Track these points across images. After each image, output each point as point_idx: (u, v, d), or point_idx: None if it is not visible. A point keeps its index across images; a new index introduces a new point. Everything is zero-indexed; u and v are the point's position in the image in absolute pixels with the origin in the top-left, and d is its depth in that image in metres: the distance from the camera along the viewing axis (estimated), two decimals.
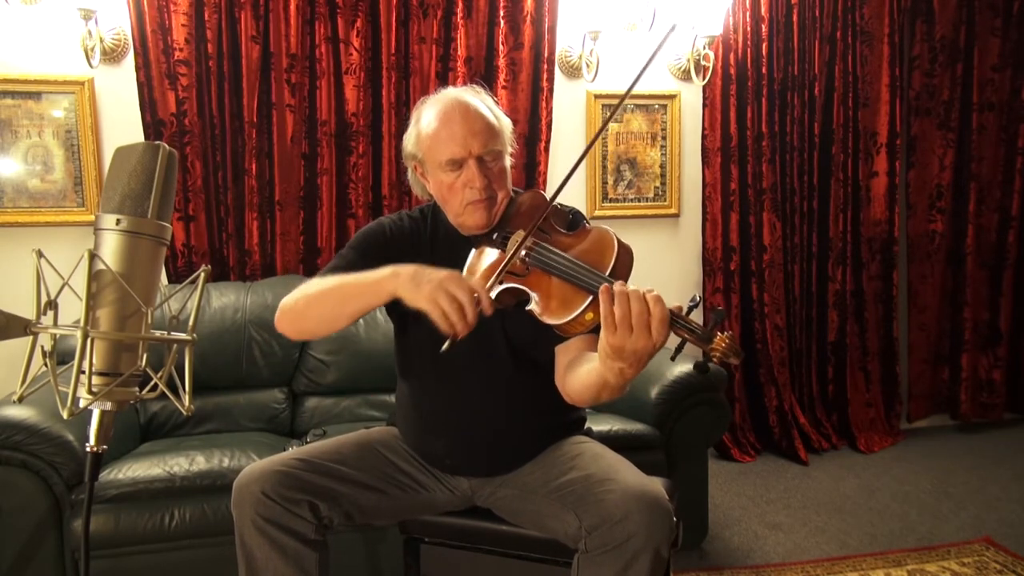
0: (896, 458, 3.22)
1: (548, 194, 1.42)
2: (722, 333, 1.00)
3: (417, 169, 1.44)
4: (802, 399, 3.40)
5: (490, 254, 1.31)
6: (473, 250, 1.34)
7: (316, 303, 1.31)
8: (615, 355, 1.02)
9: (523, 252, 1.20)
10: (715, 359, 1.00)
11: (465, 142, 1.32)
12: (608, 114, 3.14)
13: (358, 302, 1.26)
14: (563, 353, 1.34)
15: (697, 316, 1.05)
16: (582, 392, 1.23)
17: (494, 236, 1.33)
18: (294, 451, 1.42)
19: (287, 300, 1.36)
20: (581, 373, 1.22)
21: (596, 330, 1.07)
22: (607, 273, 1.11)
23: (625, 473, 1.29)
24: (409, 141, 1.43)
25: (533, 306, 1.17)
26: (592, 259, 1.14)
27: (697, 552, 2.34)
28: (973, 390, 3.57)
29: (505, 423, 1.42)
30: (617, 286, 1.02)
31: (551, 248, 1.19)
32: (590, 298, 1.09)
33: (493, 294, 1.20)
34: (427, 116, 1.38)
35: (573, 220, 1.37)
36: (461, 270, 1.31)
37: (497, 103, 1.43)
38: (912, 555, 2.31)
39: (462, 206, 1.36)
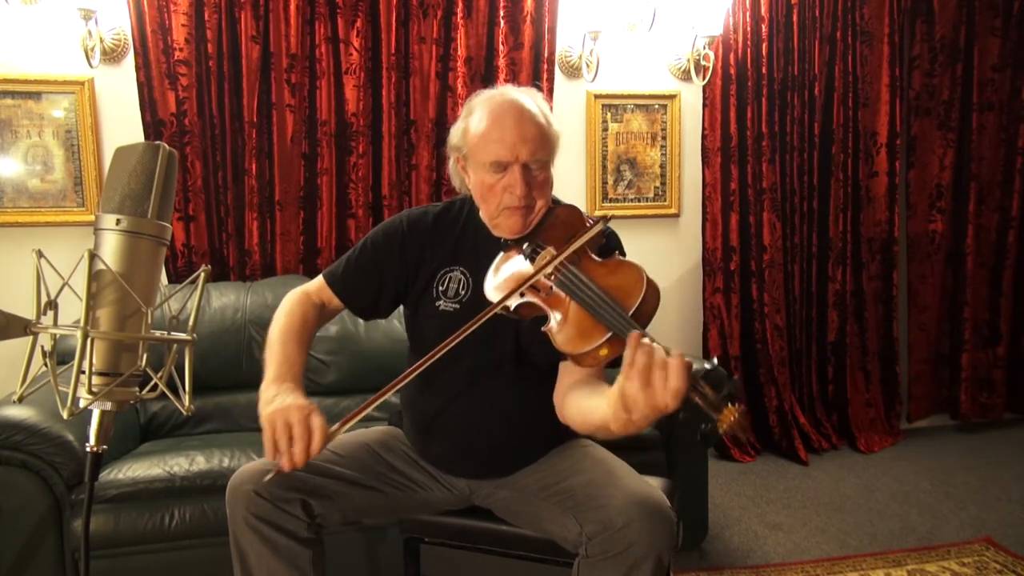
0: (896, 458, 3.22)
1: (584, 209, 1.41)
2: (733, 405, 0.97)
3: (459, 162, 1.42)
4: (802, 399, 3.40)
5: (517, 261, 1.30)
6: (501, 252, 1.33)
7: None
8: (628, 405, 0.98)
9: (550, 270, 1.19)
10: (722, 430, 0.97)
11: (514, 147, 1.30)
12: (608, 114, 3.16)
13: None
14: (567, 372, 1.32)
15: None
16: (579, 424, 1.22)
17: (524, 245, 1.31)
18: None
19: (274, 318, 1.42)
20: (584, 407, 1.19)
21: (608, 365, 1.06)
22: (631, 313, 1.08)
23: (626, 479, 1.28)
24: (456, 133, 1.40)
25: (550, 327, 1.15)
26: (618, 295, 1.11)
27: (697, 552, 2.34)
28: (973, 390, 3.57)
29: (508, 427, 1.41)
30: (631, 339, 0.99)
31: (579, 274, 1.16)
32: (609, 334, 1.07)
33: (512, 305, 1.20)
34: (479, 112, 1.35)
35: (606, 245, 1.35)
36: (487, 268, 1.32)
37: (551, 110, 1.40)
38: (912, 555, 2.31)
39: (498, 209, 1.34)
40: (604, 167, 3.18)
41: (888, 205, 3.40)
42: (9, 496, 1.83)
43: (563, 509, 1.30)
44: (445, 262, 1.43)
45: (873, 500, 2.76)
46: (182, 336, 1.16)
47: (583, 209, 1.50)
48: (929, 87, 3.44)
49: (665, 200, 3.27)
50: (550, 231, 1.32)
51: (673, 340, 3.28)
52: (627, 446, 2.02)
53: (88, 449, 1.10)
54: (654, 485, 1.30)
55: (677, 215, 3.30)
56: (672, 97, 3.21)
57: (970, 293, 3.52)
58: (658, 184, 3.26)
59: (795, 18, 3.19)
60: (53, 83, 2.62)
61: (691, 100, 3.24)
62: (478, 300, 1.31)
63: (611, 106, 3.16)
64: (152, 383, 1.15)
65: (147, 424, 2.36)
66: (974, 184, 3.48)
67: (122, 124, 2.70)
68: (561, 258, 1.19)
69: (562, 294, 1.16)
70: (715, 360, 1.03)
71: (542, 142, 1.32)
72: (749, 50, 3.16)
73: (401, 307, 1.52)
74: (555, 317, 1.16)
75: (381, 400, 1.20)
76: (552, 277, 1.19)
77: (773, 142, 3.23)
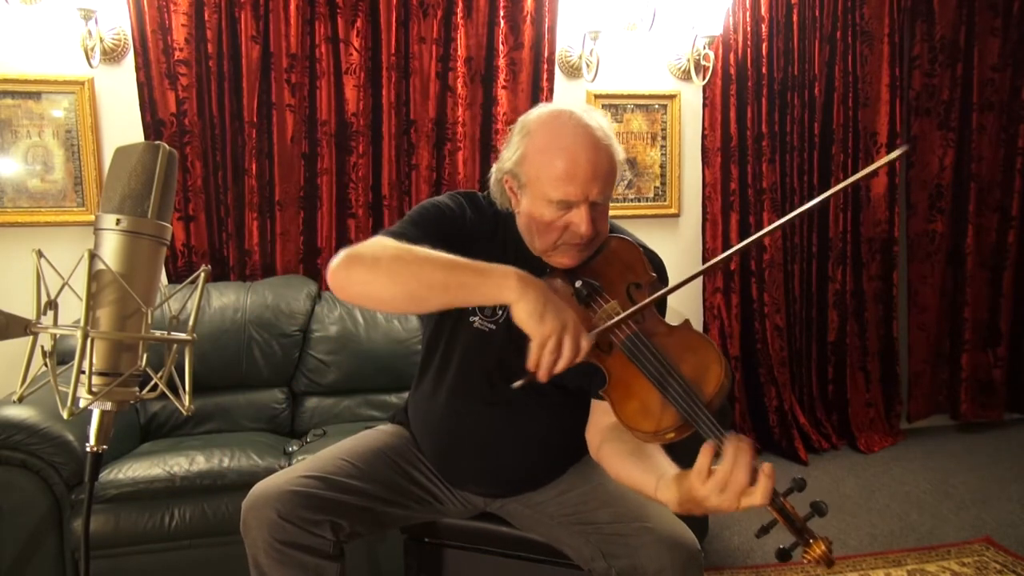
0: (896, 458, 3.22)
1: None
2: (821, 539, 0.94)
3: (508, 183, 1.26)
4: (802, 399, 3.40)
5: (564, 296, 1.16)
6: (546, 278, 1.20)
7: (410, 275, 1.08)
8: (698, 503, 0.95)
9: (610, 328, 1.07)
10: (807, 559, 0.94)
11: (586, 187, 1.15)
12: (608, 114, 3.16)
13: (461, 296, 1.07)
14: (602, 411, 1.24)
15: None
16: (619, 477, 1.16)
17: (577, 283, 1.17)
18: (302, 467, 1.33)
19: (362, 250, 1.13)
20: (633, 478, 1.12)
21: None
22: (707, 401, 1.00)
23: (655, 515, 1.23)
24: (511, 157, 1.23)
25: (609, 393, 1.07)
26: (695, 379, 1.01)
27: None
28: (973, 390, 3.57)
29: (533, 448, 1.35)
30: (731, 445, 0.93)
31: (649, 344, 1.05)
32: (680, 422, 1.00)
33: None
34: (545, 137, 1.19)
35: (664, 300, 1.21)
36: None
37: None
38: (912, 555, 2.31)
39: (554, 245, 1.21)
40: None
41: (888, 205, 3.40)
42: (9, 496, 1.83)
43: (587, 540, 1.26)
44: None
45: (873, 500, 2.76)
46: (182, 336, 1.16)
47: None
48: (929, 87, 3.44)
49: (665, 200, 3.27)
50: (604, 267, 1.21)
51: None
52: None
53: (88, 449, 1.10)
54: (678, 518, 1.24)
55: (677, 215, 3.30)
56: (672, 97, 3.21)
57: (970, 293, 3.52)
58: (658, 184, 3.25)
59: (795, 18, 3.19)
60: (53, 83, 2.62)
61: (691, 100, 3.24)
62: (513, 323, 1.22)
63: (611, 106, 3.16)
64: (152, 383, 1.15)
65: (147, 424, 2.36)
66: (974, 184, 3.48)
67: (122, 124, 2.69)
68: (628, 318, 1.06)
69: (627, 360, 1.06)
70: (802, 480, 0.98)
71: (612, 176, 1.19)
72: (749, 50, 3.16)
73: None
74: (614, 384, 1.07)
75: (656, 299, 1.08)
76: (618, 337, 1.07)
77: (773, 142, 3.23)
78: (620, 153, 1.22)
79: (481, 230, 1.32)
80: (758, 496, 0.92)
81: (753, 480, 0.93)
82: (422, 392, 1.44)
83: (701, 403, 0.99)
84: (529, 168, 1.20)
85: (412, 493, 1.39)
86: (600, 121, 1.21)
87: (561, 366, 1.00)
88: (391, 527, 1.44)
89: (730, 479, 0.92)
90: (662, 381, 1.02)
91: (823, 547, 0.93)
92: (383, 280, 1.10)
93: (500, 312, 1.30)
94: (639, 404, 1.04)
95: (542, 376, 1.01)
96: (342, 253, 1.14)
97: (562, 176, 1.15)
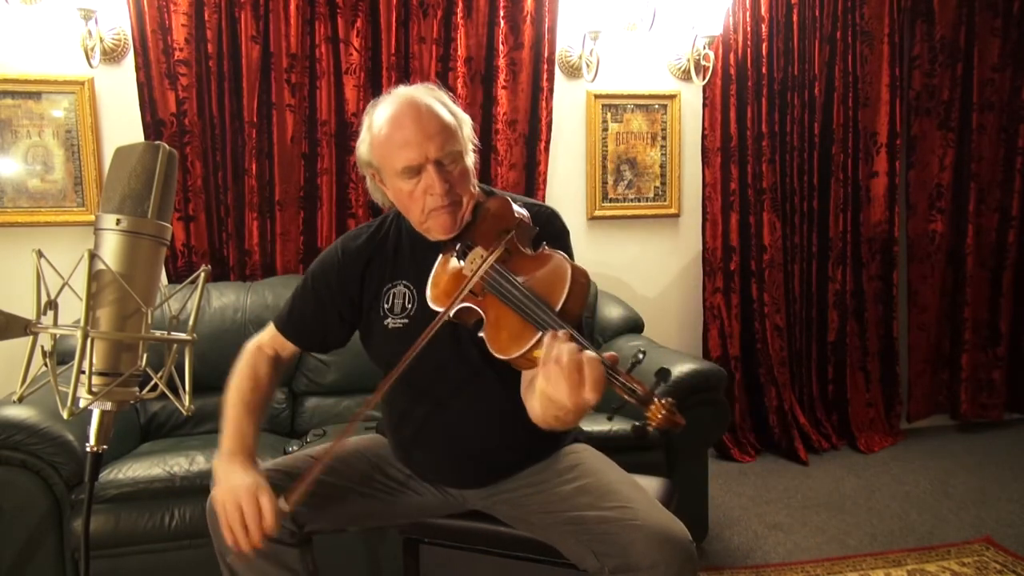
0: (896, 458, 3.22)
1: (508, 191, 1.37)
2: (660, 400, 0.94)
3: (375, 177, 1.36)
4: (802, 399, 3.40)
5: (451, 264, 1.26)
6: (440, 256, 1.29)
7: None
8: (552, 403, 0.99)
9: (481, 272, 1.15)
10: (651, 426, 0.94)
11: (421, 147, 1.23)
12: (608, 114, 3.16)
13: None
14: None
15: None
16: (537, 420, 1.17)
17: (457, 245, 1.26)
18: (269, 464, 1.38)
19: (234, 368, 1.43)
20: (530, 406, 1.15)
21: None
22: (557, 309, 1.06)
23: (643, 511, 1.23)
24: (363, 148, 1.34)
25: (485, 332, 1.12)
26: (543, 291, 1.08)
27: (697, 552, 2.34)
28: (973, 390, 3.57)
29: (488, 433, 1.37)
30: (548, 337, 0.99)
31: (508, 275, 1.13)
32: (539, 335, 1.03)
33: (452, 312, 1.16)
34: (379, 120, 1.29)
35: (544, 232, 1.29)
36: (427, 277, 1.27)
37: (454, 99, 1.34)
38: (912, 555, 2.31)
39: (424, 214, 1.29)
40: (604, 167, 3.18)
41: (888, 205, 3.40)
42: (9, 496, 1.83)
43: (577, 539, 1.26)
44: (387, 278, 1.39)
45: (873, 500, 2.76)
46: (182, 336, 1.16)
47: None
48: (929, 87, 3.43)
49: (665, 200, 3.27)
50: (481, 226, 1.28)
51: (673, 340, 3.28)
52: (627, 446, 2.03)
53: (88, 449, 1.10)
54: (668, 511, 1.25)
55: (677, 215, 3.30)
56: (672, 97, 3.21)
57: (970, 293, 3.52)
58: (658, 184, 3.26)
59: (795, 18, 3.19)
60: (53, 83, 2.62)
61: (691, 100, 3.24)
62: (425, 312, 1.27)
63: (611, 106, 3.16)
64: (152, 383, 1.15)
65: (147, 424, 2.36)
66: (974, 184, 3.48)
67: (122, 124, 2.69)
68: (490, 260, 1.14)
69: (492, 296, 1.12)
70: (641, 353, 1.00)
71: (448, 134, 1.26)
72: (749, 50, 3.16)
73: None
74: (488, 321, 1.12)
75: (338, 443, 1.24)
76: (484, 278, 1.14)
77: (773, 142, 3.23)
78: (451, 111, 1.30)
79: (359, 257, 1.40)
80: (589, 380, 0.94)
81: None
82: (382, 401, 1.49)
83: (551, 311, 1.05)
84: (376, 152, 1.30)
85: (379, 483, 1.42)
86: (430, 91, 1.31)
87: (253, 529, 1.13)
88: (366, 520, 1.46)
89: (563, 367, 0.95)
90: (516, 303, 1.08)
91: (662, 409, 0.93)
92: None
93: (410, 306, 1.36)
94: (507, 333, 1.09)
95: (242, 545, 1.14)
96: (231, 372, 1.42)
97: (398, 144, 1.25)
